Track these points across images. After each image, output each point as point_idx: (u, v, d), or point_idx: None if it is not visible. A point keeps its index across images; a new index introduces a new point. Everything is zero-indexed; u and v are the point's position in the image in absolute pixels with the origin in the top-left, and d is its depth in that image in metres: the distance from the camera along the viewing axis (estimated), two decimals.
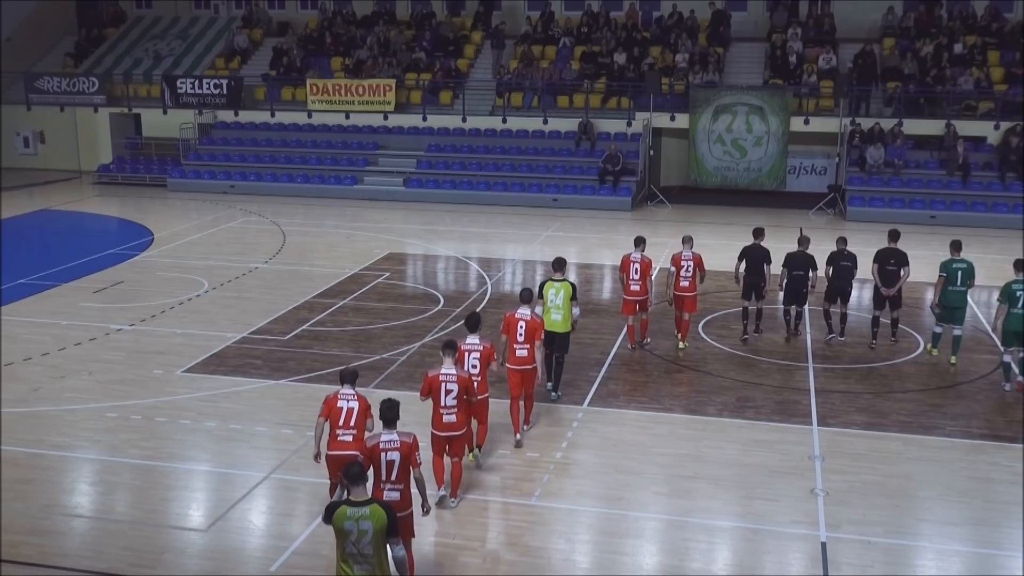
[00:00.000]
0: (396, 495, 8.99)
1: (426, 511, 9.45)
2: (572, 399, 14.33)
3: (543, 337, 13.01)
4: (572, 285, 14.05)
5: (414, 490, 9.23)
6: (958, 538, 10.60)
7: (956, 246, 16.01)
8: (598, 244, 24.79)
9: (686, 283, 16.29)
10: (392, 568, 7.91)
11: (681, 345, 16.63)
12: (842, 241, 16.73)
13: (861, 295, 18.70)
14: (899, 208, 27.89)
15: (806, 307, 17.16)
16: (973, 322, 17.01)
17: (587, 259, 23.13)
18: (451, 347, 11.05)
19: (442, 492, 11.21)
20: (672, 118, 31.62)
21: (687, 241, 16.53)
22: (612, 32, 34.37)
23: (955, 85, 30.41)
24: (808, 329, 17.28)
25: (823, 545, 10.37)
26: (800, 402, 14.30)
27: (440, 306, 18.84)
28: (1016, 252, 16.67)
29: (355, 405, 10.06)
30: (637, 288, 15.90)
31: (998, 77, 30.85)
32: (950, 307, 15.88)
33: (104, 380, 14.97)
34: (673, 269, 16.37)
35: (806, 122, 30.77)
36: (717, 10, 34.12)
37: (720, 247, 17.75)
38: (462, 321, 13.09)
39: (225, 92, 34.74)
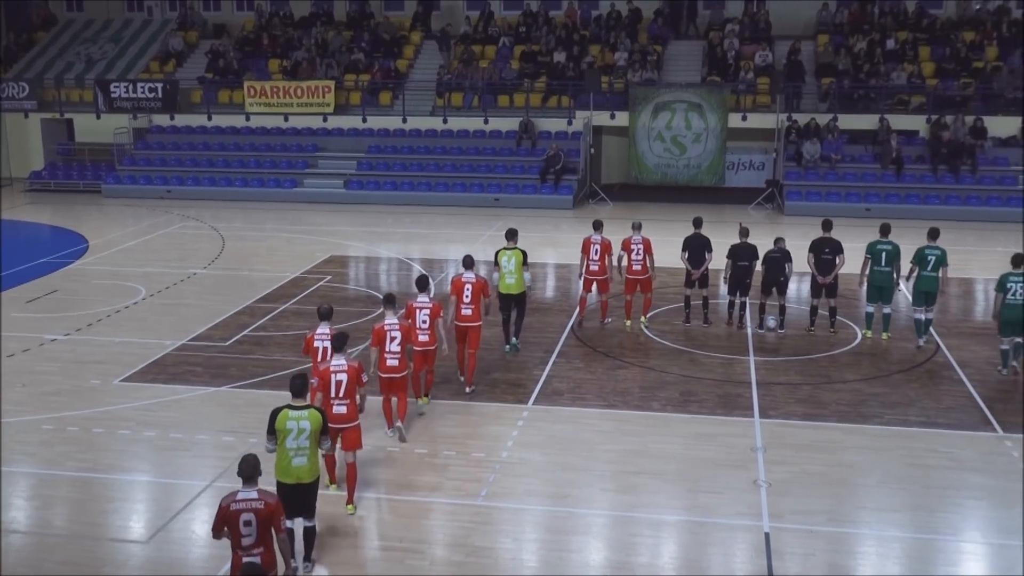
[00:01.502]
0: (343, 408, 10.77)
1: (362, 409, 11.09)
2: (517, 398, 14.34)
3: (500, 300, 15.63)
4: (523, 252, 15.69)
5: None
6: (897, 524, 10.79)
7: (884, 229, 16.56)
8: (541, 243, 24.81)
9: (638, 266, 17.04)
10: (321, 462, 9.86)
11: (643, 319, 17.55)
12: (779, 240, 16.99)
13: (800, 288, 18.95)
14: (835, 202, 28.32)
15: (747, 299, 17.37)
16: (908, 311, 17.31)
17: (530, 258, 23.02)
18: (391, 300, 12.82)
19: (391, 432, 12.89)
20: (612, 116, 31.81)
21: (637, 226, 17.28)
22: (551, 31, 34.48)
23: (888, 80, 30.99)
24: (749, 322, 17.49)
25: (766, 535, 10.49)
26: (742, 395, 14.46)
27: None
28: (950, 241, 17.05)
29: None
30: (596, 268, 16.93)
31: (929, 72, 31.49)
32: (876, 286, 16.48)
33: (39, 392, 14.64)
34: (623, 253, 17.04)
35: (744, 118, 31.15)
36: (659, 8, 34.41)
37: (662, 243, 17.89)
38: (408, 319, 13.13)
39: (160, 96, 34.21)
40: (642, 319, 17.60)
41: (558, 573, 9.90)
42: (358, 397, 10.93)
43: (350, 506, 11.07)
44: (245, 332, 17.42)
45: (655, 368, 15.61)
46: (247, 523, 8.23)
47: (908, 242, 17.13)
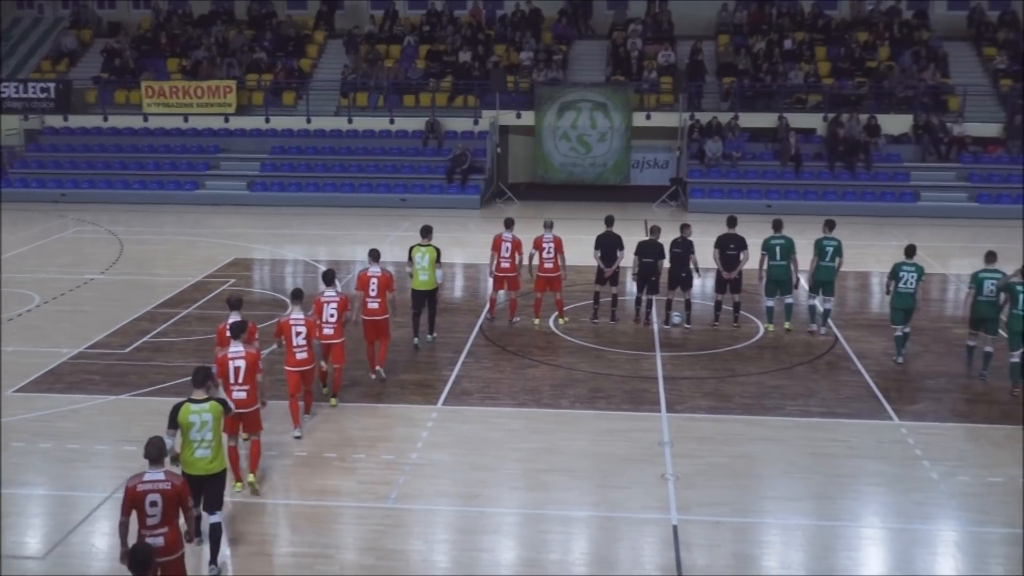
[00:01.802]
0: (243, 394, 11.10)
1: (263, 404, 11.46)
2: (426, 399, 14.28)
3: (413, 297, 16.01)
4: (436, 249, 16.00)
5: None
6: (800, 512, 11.05)
7: (776, 225, 17.07)
8: (448, 243, 24.61)
9: (549, 264, 17.16)
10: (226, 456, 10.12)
11: (561, 321, 17.70)
12: (685, 228, 17.23)
13: (705, 283, 19.27)
14: (737, 199, 28.90)
15: (655, 296, 17.60)
16: (809, 303, 17.76)
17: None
18: (298, 295, 12.99)
19: (296, 433, 12.91)
20: (518, 116, 31.93)
21: (548, 225, 17.44)
22: (457, 31, 34.42)
23: (786, 80, 31.75)
24: (656, 318, 17.72)
25: (674, 528, 10.64)
26: (649, 390, 14.64)
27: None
28: (846, 235, 17.55)
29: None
30: (507, 265, 17.11)
31: (825, 71, 32.36)
32: (774, 280, 16.94)
33: None
34: (535, 251, 17.16)
35: (647, 117, 31.57)
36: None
37: (569, 242, 17.98)
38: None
39: (53, 96, 33.10)
40: (560, 320, 17.70)
41: (469, 573, 9.88)
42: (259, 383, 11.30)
43: (251, 475, 11.44)
44: (145, 338, 16.97)
45: (564, 366, 15.70)
46: (153, 503, 8.34)
47: (809, 237, 17.55)
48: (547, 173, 31.99)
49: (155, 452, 8.51)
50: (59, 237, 25.70)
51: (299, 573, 9.88)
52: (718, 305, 17.59)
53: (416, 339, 16.40)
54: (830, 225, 17.03)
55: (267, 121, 32.62)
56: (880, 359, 15.92)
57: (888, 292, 15.69)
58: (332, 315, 13.52)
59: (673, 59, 32.93)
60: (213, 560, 9.82)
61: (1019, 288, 14.26)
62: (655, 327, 17.48)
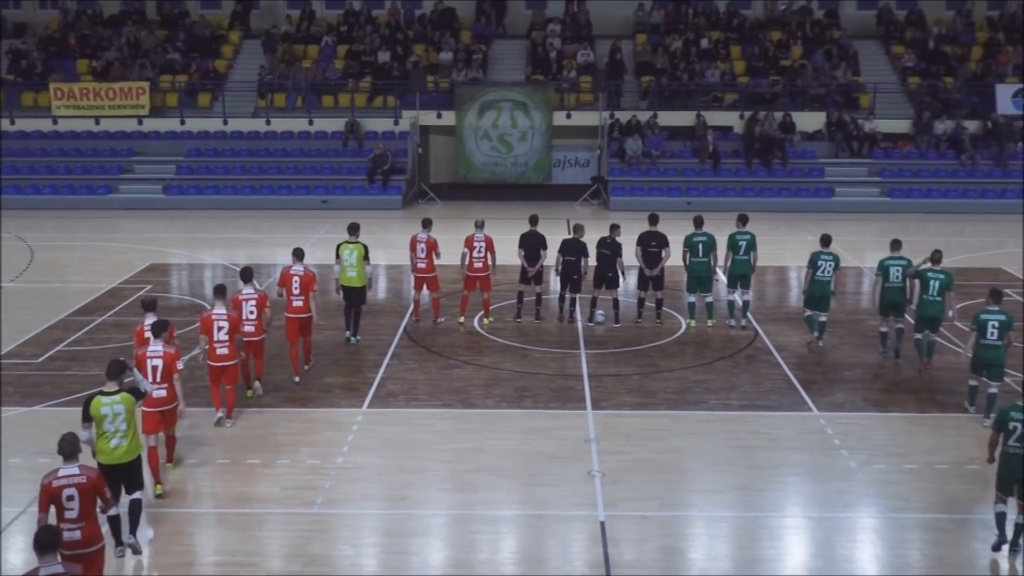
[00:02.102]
0: (163, 392, 11.38)
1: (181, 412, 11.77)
2: (351, 402, 14.16)
3: (343, 292, 16.26)
4: (364, 246, 16.26)
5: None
6: (725, 504, 11.23)
7: (698, 222, 17.39)
8: (372, 244, 24.35)
9: (479, 263, 17.15)
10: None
11: (486, 320, 17.71)
12: (614, 228, 17.34)
13: (627, 281, 19.39)
14: (658, 196, 29.21)
15: (578, 295, 17.69)
16: (728, 298, 18.03)
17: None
18: (221, 291, 13.31)
19: (219, 414, 13.23)
20: (439, 115, 31.84)
21: (479, 224, 17.47)
22: (375, 30, 34.18)
23: (703, 78, 32.21)
24: (580, 316, 17.82)
25: (602, 524, 10.72)
26: (575, 388, 14.72)
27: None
28: (764, 231, 17.89)
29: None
30: (424, 266, 17.13)
31: (741, 70, 32.92)
32: (696, 277, 17.25)
33: None
34: (466, 251, 17.14)
35: (568, 116, 31.74)
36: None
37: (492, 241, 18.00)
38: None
39: None
40: (485, 320, 17.71)
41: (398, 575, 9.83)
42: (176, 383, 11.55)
43: (169, 464, 11.95)
44: (59, 347, 16.51)
45: (489, 365, 15.69)
46: (70, 498, 8.55)
47: (728, 233, 17.80)
48: (469, 173, 31.97)
49: (68, 448, 8.70)
50: None
51: None
52: (641, 302, 17.77)
53: (347, 334, 16.70)
54: (743, 219, 17.35)
55: (182, 123, 31.99)
56: (799, 352, 16.25)
57: (805, 281, 16.08)
58: (252, 312, 13.62)
59: (592, 58, 33.17)
60: (132, 532, 10.14)
61: (930, 275, 14.67)
62: (579, 325, 17.58)
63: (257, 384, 14.34)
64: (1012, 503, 10.05)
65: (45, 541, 7.44)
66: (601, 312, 17.64)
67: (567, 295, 17.66)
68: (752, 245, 17.04)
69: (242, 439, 12.90)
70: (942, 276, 14.58)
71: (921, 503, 11.18)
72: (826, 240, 16.19)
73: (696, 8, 35.08)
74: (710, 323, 17.50)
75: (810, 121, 31.47)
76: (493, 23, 35.28)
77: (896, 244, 15.61)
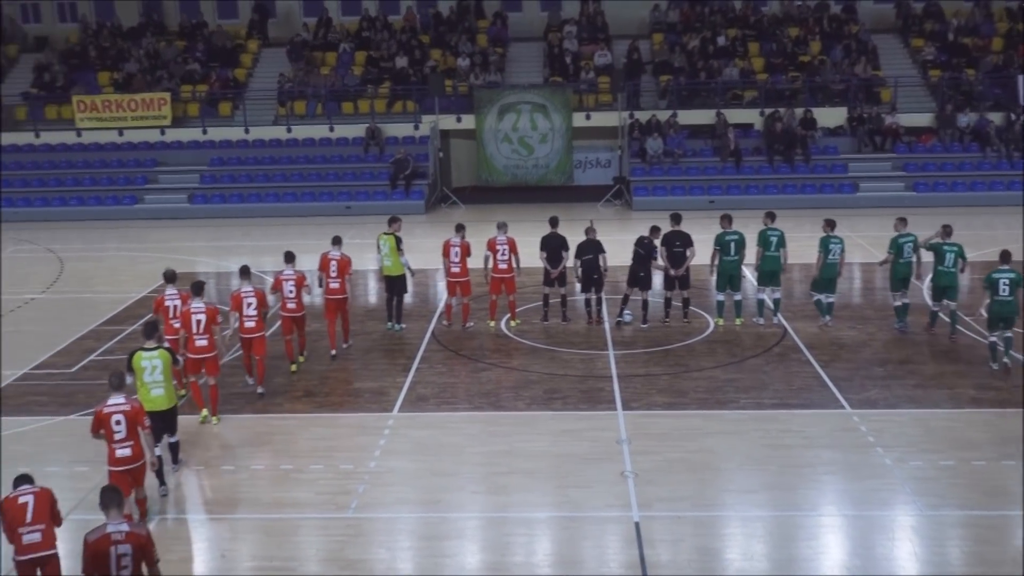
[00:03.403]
0: (204, 342, 13.13)
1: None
2: (382, 406, 14.20)
3: (385, 282, 17.35)
4: (396, 237, 16.92)
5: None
6: (759, 504, 11.17)
7: (728, 220, 17.27)
8: None
9: (504, 265, 17.14)
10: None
11: (513, 323, 17.76)
12: (654, 229, 17.32)
13: (654, 280, 19.35)
14: (680, 195, 29.17)
15: (602, 294, 17.68)
16: (758, 296, 17.97)
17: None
18: (246, 271, 14.68)
19: (250, 381, 14.76)
20: (459, 119, 31.91)
21: (502, 227, 17.48)
22: (392, 36, 34.28)
23: (721, 76, 32.12)
24: (607, 316, 17.80)
25: (636, 525, 10.69)
26: (604, 389, 14.70)
27: (237, 323, 18.16)
28: (789, 228, 17.80)
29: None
30: (457, 270, 17.19)
31: (759, 67, 32.82)
32: (727, 275, 17.17)
33: None
34: (489, 253, 17.16)
35: (587, 117, 31.75)
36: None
37: (517, 243, 18.02)
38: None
39: None
40: (512, 322, 17.73)
41: None
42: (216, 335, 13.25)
43: (215, 418, 13.46)
44: (91, 357, 16.64)
45: (518, 368, 15.70)
46: (118, 422, 10.24)
47: (753, 231, 17.76)
48: (490, 176, 32.02)
49: (116, 381, 10.47)
50: None
51: None
52: (667, 302, 17.74)
53: (389, 323, 17.52)
54: (771, 216, 17.37)
55: (204, 132, 32.21)
56: (830, 349, 16.17)
57: (817, 265, 16.96)
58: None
59: (609, 59, 33.15)
60: (174, 460, 12.07)
61: (945, 248, 15.94)
62: (606, 326, 17.56)
63: (301, 358, 15.75)
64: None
65: (111, 499, 8.22)
66: (628, 312, 17.62)
67: (591, 296, 17.64)
68: (782, 241, 17.02)
69: (275, 445, 12.97)
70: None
71: (959, 500, 11.09)
72: (832, 224, 17.04)
73: (712, 6, 35.00)
74: (738, 322, 17.45)
75: (831, 117, 31.34)
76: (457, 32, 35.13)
77: (903, 222, 16.78)
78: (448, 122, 31.92)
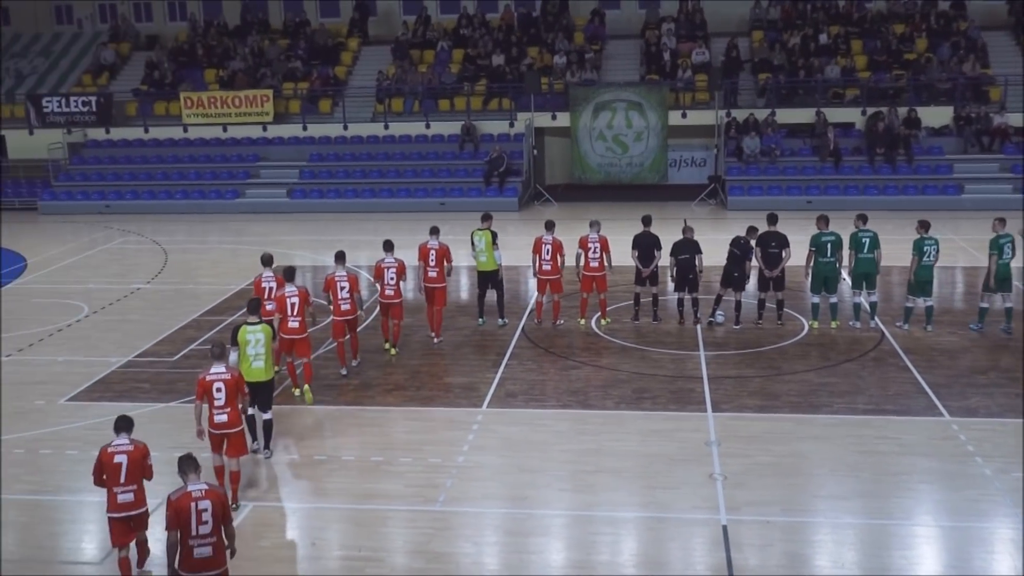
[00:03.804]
0: (296, 324, 13.95)
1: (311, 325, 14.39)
2: (471, 401, 14.32)
3: (478, 278, 17.56)
4: (493, 232, 17.16)
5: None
6: (851, 511, 10.95)
7: (825, 221, 16.98)
8: None
9: (595, 263, 17.12)
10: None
11: (603, 321, 17.73)
12: (750, 231, 17.13)
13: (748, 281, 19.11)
14: (777, 195, 28.70)
15: (696, 295, 17.51)
16: (854, 300, 17.58)
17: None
18: (341, 257, 15.46)
19: (354, 363, 15.67)
20: (553, 117, 31.93)
21: (594, 225, 17.43)
22: (489, 34, 34.49)
23: (822, 74, 31.48)
24: (700, 316, 17.61)
25: (724, 528, 10.58)
26: (694, 390, 14.57)
27: (332, 317, 18.53)
28: (889, 231, 17.43)
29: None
30: (548, 267, 17.17)
31: (862, 65, 32.06)
32: (821, 277, 16.87)
33: None
34: (581, 251, 17.15)
35: (683, 115, 31.44)
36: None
37: (608, 241, 17.97)
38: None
39: (95, 109, 33.61)
40: (602, 320, 17.71)
41: (519, 575, 9.89)
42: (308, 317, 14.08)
43: (306, 388, 14.10)
44: (192, 346, 17.17)
45: (607, 367, 15.67)
46: (218, 389, 11.01)
47: (849, 232, 17.38)
48: (584, 174, 31.97)
49: (218, 351, 11.23)
50: (105, 248, 26.08)
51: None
52: (761, 303, 17.49)
53: (481, 319, 17.79)
54: (863, 218, 17.03)
55: (304, 129, 32.89)
56: (928, 354, 15.74)
57: (911, 268, 16.69)
58: (392, 279, 15.74)
59: (707, 57, 32.78)
60: (266, 446, 12.60)
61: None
62: (698, 327, 17.39)
63: (394, 351, 16.24)
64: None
65: (188, 465, 8.78)
66: (721, 313, 17.43)
67: (685, 296, 17.49)
68: (875, 243, 16.63)
69: (365, 437, 13.20)
70: None
71: None
72: (927, 225, 16.65)
73: (815, 3, 34.32)
74: (834, 325, 17.11)
75: (936, 116, 30.43)
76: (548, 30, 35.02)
77: (1002, 222, 16.52)
78: (543, 120, 31.97)
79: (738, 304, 17.28)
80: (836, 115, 30.65)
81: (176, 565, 8.48)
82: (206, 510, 8.55)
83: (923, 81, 30.91)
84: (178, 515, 8.50)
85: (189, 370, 15.92)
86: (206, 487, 8.73)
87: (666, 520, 10.86)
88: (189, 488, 8.66)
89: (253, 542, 10.57)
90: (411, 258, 17.17)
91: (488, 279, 17.43)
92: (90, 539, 10.91)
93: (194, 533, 8.52)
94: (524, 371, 15.58)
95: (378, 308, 16.72)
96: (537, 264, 17.29)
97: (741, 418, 13.51)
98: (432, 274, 16.46)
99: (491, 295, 17.75)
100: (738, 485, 11.51)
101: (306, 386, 14.10)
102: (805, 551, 10.25)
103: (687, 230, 17.19)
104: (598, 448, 12.66)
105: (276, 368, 13.48)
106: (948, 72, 30.93)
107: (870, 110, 30.28)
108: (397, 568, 10.10)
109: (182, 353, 16.82)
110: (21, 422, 13.95)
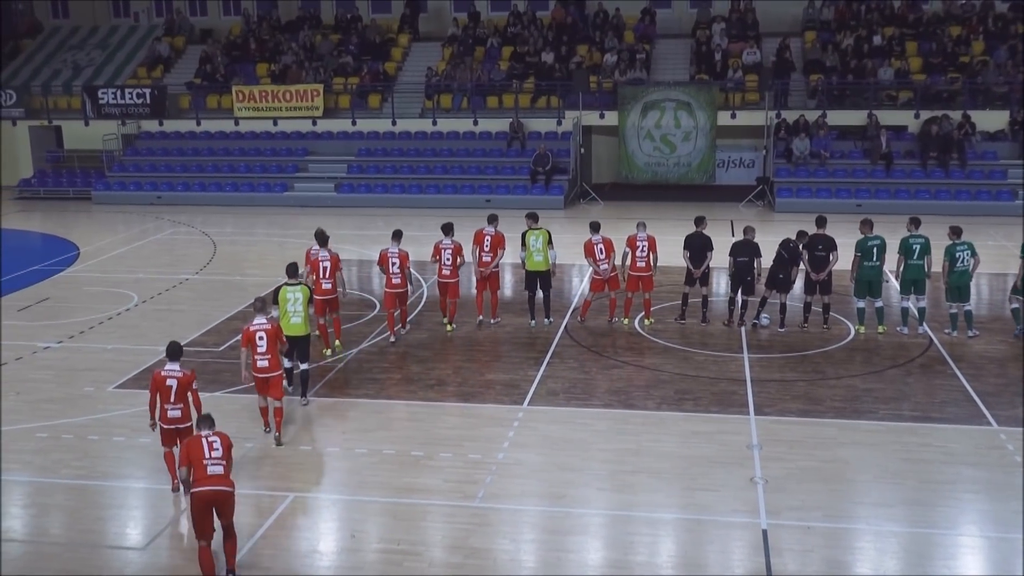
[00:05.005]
0: (329, 285, 15.65)
1: (344, 294, 16.35)
2: (512, 399, 14.34)
3: (527, 278, 17.53)
4: (548, 232, 17.32)
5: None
6: (894, 519, 10.81)
7: (870, 225, 16.85)
8: None
9: (642, 263, 17.12)
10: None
11: (647, 321, 17.71)
12: (801, 234, 17.02)
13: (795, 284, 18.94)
14: (826, 198, 28.39)
15: (751, 297, 17.38)
16: (901, 305, 17.36)
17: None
18: (398, 235, 16.49)
19: (392, 339, 16.63)
20: (601, 116, 31.86)
21: (641, 225, 17.38)
22: (539, 31, 34.48)
23: (875, 76, 31.08)
24: (744, 319, 17.49)
25: (764, 532, 10.50)
26: (737, 392, 14.48)
27: (376, 311, 18.70)
28: (940, 236, 17.15)
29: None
30: (606, 267, 17.20)
31: (916, 67, 31.60)
32: (867, 281, 16.74)
33: (33, 400, 14.59)
34: (628, 250, 17.12)
35: (733, 116, 31.22)
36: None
37: (655, 241, 17.91)
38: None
39: (149, 101, 34.15)
40: (646, 321, 17.67)
41: (556, 573, 9.90)
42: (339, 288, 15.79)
43: (337, 343, 16.12)
44: (238, 337, 17.30)
45: (650, 367, 15.62)
46: (260, 338, 12.56)
47: (898, 236, 17.17)
48: (631, 173, 31.87)
49: (260, 305, 12.86)
50: (155, 238, 26.48)
51: (388, 570, 10.00)
52: (807, 307, 17.30)
53: (532, 321, 17.70)
54: (915, 223, 16.77)
55: (353, 124, 33.13)
56: (977, 362, 15.49)
57: (944, 274, 16.46)
58: (448, 259, 16.84)
59: (758, 57, 32.50)
60: (304, 394, 14.09)
61: None
62: (742, 329, 17.27)
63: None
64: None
65: (204, 417, 10.15)
66: (766, 315, 17.30)
67: (739, 298, 17.37)
68: (926, 249, 16.40)
69: (407, 431, 13.28)
70: None
71: None
72: (958, 231, 16.52)
73: (869, 4, 33.88)
74: (880, 330, 16.90)
75: (992, 120, 29.94)
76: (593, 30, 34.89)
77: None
78: (591, 118, 31.92)
79: (783, 307, 17.14)
80: (888, 118, 30.26)
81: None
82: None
83: (979, 84, 30.39)
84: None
85: (234, 360, 16.04)
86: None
87: (705, 522, 10.81)
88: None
89: (293, 532, 10.70)
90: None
91: (538, 278, 17.43)
92: (135, 524, 11.10)
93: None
94: (566, 369, 15.57)
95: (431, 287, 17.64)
96: (594, 267, 17.21)
97: (783, 422, 13.39)
98: (486, 258, 17.04)
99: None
100: (779, 489, 11.42)
101: (336, 341, 16.02)
102: (846, 558, 10.14)
103: (748, 230, 17.07)
104: (638, 448, 12.63)
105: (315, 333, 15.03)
106: (1004, 76, 30.38)
107: (924, 113, 29.83)
108: (435, 562, 10.15)
109: (228, 344, 17.02)
110: (71, 408, 14.22)
